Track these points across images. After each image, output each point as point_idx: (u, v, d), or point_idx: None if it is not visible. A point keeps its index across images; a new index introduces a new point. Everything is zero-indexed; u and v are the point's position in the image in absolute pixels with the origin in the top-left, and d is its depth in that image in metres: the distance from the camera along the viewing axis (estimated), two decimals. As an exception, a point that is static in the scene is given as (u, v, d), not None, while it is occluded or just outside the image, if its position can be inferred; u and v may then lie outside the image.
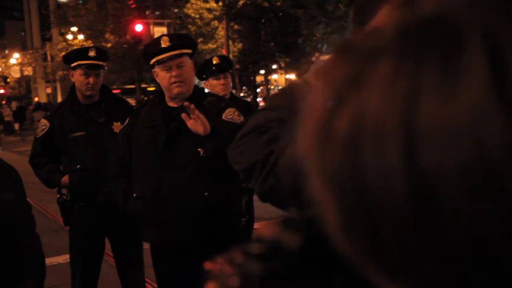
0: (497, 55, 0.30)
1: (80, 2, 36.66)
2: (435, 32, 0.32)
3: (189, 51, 2.97)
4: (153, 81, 36.71)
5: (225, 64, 4.13)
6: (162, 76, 2.91)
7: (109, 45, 31.32)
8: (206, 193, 2.80)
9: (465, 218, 0.30)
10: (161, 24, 27.12)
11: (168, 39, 2.90)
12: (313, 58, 18.00)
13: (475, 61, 0.30)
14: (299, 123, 0.39)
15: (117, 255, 3.84)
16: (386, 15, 0.40)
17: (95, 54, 3.63)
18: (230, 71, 4.21)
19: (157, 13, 30.53)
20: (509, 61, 0.30)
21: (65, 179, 3.58)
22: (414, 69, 0.32)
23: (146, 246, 3.74)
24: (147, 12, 29.97)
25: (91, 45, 32.76)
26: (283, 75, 50.97)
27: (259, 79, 40.00)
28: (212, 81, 4.04)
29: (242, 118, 2.96)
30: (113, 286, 4.25)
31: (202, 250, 2.92)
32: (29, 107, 34.31)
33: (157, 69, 2.95)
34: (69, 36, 35.96)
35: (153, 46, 2.95)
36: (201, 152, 2.80)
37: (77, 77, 3.62)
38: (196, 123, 2.65)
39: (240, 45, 28.22)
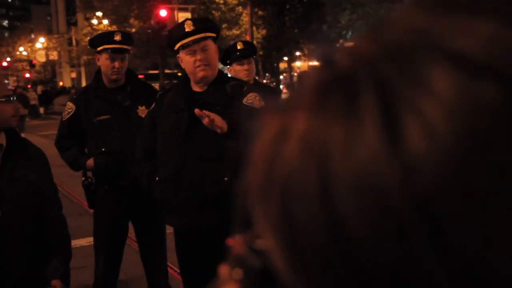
0: (388, 104, 0.34)
1: (105, -13, 36.85)
2: (340, 87, 0.36)
3: (213, 34, 2.98)
4: (177, 66, 36.85)
5: (249, 50, 4.11)
6: (186, 60, 2.93)
7: (133, 30, 31.45)
8: (226, 178, 2.81)
9: (375, 255, 0.34)
10: (185, 10, 27.12)
11: (191, 23, 2.92)
12: (338, 45, 17.84)
13: (367, 110, 0.34)
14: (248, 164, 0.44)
15: (140, 239, 3.87)
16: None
17: (120, 38, 3.65)
18: (254, 57, 4.20)
19: (181, -2, 30.53)
20: (399, 106, 0.34)
21: (90, 162, 3.61)
22: (322, 116, 0.36)
23: (169, 230, 3.80)
24: (171, -3, 29.95)
25: (116, 29, 32.92)
26: (306, 62, 50.79)
27: (282, 66, 39.84)
28: (236, 67, 4.03)
29: (263, 103, 2.96)
30: (136, 269, 4.32)
31: (223, 235, 2.95)
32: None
33: (181, 54, 2.96)
34: (94, 21, 36.20)
35: (177, 30, 2.96)
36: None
37: (103, 61, 3.64)
38: (212, 124, 2.66)
39: (264, 31, 28.10)
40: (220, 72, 3.08)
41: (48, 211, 2.37)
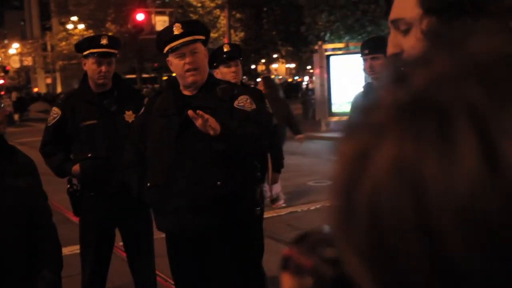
0: (484, 132, 0.34)
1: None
2: (427, 110, 0.36)
3: (202, 37, 2.94)
4: (154, 70, 36.67)
5: (236, 52, 4.10)
6: (176, 64, 2.89)
7: (110, 34, 31.21)
8: (219, 183, 2.79)
9: (480, 280, 0.35)
10: (162, 13, 27.05)
11: (180, 25, 2.88)
12: (316, 47, 17.89)
13: (463, 138, 0.34)
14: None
15: (128, 245, 3.81)
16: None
17: (107, 42, 3.61)
18: (241, 59, 4.18)
19: (158, 2, 30.41)
20: (496, 134, 0.34)
21: (76, 167, 3.55)
22: (414, 143, 0.36)
23: (157, 236, 3.75)
24: (148, 1, 29.82)
25: (92, 34, 32.72)
26: (283, 64, 50.90)
27: (260, 68, 39.90)
28: (223, 69, 4.01)
29: (254, 106, 2.94)
30: (123, 277, 4.25)
31: (216, 238, 2.92)
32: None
33: (170, 58, 2.92)
34: (70, 26, 35.80)
35: (166, 33, 2.93)
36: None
37: (89, 65, 3.60)
38: (205, 125, 2.62)
39: (242, 34, 28.10)
40: (210, 75, 3.05)
41: (38, 218, 2.32)
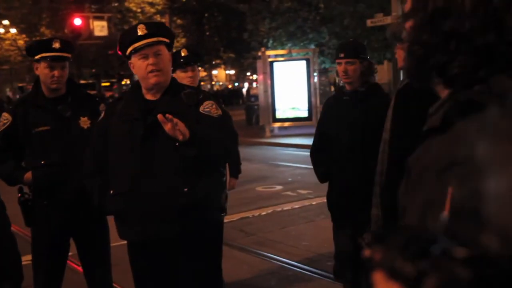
0: None
1: (12, -7, 35.33)
2: None
3: (167, 40, 2.91)
4: (92, 76, 35.87)
5: (194, 57, 4.07)
6: (138, 65, 2.83)
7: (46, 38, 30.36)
8: (185, 189, 2.76)
9: None
10: (101, 18, 26.53)
11: (144, 26, 2.82)
12: (259, 53, 18.03)
13: None
14: None
15: (84, 256, 3.69)
16: None
17: (59, 46, 3.48)
18: (199, 64, 4.16)
19: (95, 7, 29.85)
20: None
21: (28, 175, 3.41)
22: None
23: (112, 243, 3.69)
24: (85, 6, 29.22)
25: (26, 39, 31.81)
26: (223, 71, 50.96)
27: (201, 74, 39.75)
28: (180, 74, 3.97)
29: (220, 112, 2.92)
30: (77, 288, 4.14)
31: (182, 245, 2.88)
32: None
33: (133, 59, 2.86)
34: (1, 30, 34.57)
35: (130, 34, 2.86)
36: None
37: (42, 70, 3.47)
38: (174, 130, 2.60)
39: (183, 40, 27.95)
40: (174, 79, 3.01)
41: None
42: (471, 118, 1.00)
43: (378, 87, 3.76)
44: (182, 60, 3.96)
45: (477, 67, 1.03)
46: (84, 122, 3.50)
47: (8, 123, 3.49)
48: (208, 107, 2.89)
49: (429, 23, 1.07)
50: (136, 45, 2.80)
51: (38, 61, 3.49)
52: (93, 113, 3.42)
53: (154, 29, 2.85)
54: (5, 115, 3.55)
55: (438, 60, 1.06)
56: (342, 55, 3.59)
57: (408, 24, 1.10)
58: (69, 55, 3.57)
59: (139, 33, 2.79)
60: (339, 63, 3.60)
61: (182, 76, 3.95)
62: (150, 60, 2.79)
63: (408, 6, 1.13)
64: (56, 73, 3.45)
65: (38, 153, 3.44)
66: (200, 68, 4.23)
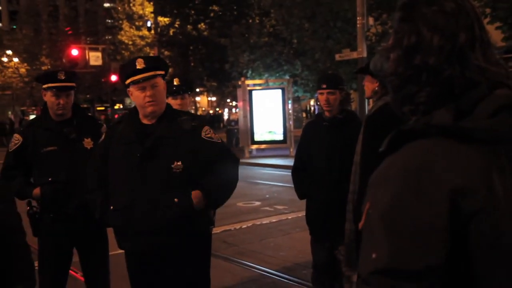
0: None
1: (14, 27, 35.05)
2: None
3: (162, 72, 2.92)
4: (86, 101, 35.57)
5: (184, 86, 4.06)
6: (136, 95, 2.84)
7: (44, 67, 30.12)
8: (176, 199, 2.76)
9: None
10: (95, 49, 26.43)
11: (143, 61, 2.82)
12: (239, 82, 18.12)
13: None
14: None
15: (85, 263, 3.67)
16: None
17: (64, 77, 3.52)
18: (190, 92, 4.16)
19: (91, 39, 29.77)
20: None
21: (37, 191, 3.43)
22: None
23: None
24: (82, 38, 29.12)
25: (27, 67, 31.49)
26: (206, 97, 50.97)
27: (186, 101, 39.66)
28: (170, 101, 3.96)
29: (218, 136, 2.95)
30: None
31: (175, 256, 2.87)
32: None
33: (131, 89, 2.86)
34: (4, 59, 34.23)
35: (129, 67, 2.86)
36: (174, 168, 2.77)
37: (49, 97, 3.50)
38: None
39: (171, 70, 27.93)
40: (169, 105, 3.02)
41: (14, 239, 2.20)
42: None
43: (354, 114, 3.81)
44: (174, 89, 3.97)
45: (440, 97, 1.06)
46: (88, 143, 3.52)
47: (19, 143, 3.51)
48: (209, 133, 2.91)
49: (404, 57, 1.10)
50: (135, 78, 2.80)
51: (46, 89, 3.52)
52: (96, 135, 3.44)
53: (152, 63, 2.85)
54: (17, 136, 3.58)
55: (410, 90, 1.10)
56: (324, 86, 3.60)
57: (390, 57, 1.14)
58: (73, 84, 3.58)
59: (138, 66, 2.79)
60: (321, 93, 3.61)
61: (172, 103, 3.94)
62: (148, 92, 2.80)
63: (390, 42, 1.16)
64: (61, 101, 3.48)
65: (46, 171, 3.45)
66: (190, 96, 4.24)
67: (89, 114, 4.29)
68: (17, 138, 3.54)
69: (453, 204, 0.97)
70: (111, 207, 2.83)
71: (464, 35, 1.07)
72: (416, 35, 1.09)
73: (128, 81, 2.85)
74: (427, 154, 1.00)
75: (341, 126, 3.62)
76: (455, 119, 1.03)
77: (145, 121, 2.91)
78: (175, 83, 4.02)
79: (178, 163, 2.77)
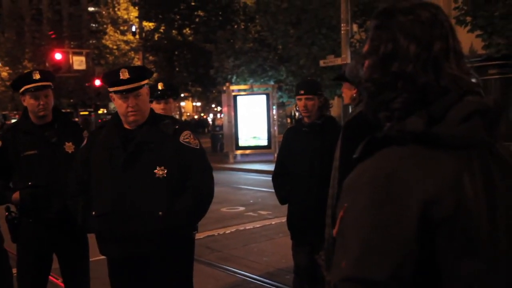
0: None
1: (-3, 30, 34.68)
2: None
3: (146, 81, 2.91)
4: (70, 106, 35.26)
5: (169, 91, 4.04)
6: (119, 103, 2.80)
7: (26, 71, 29.80)
8: (160, 213, 2.74)
9: None
10: (79, 54, 26.24)
11: (127, 71, 2.78)
12: (224, 88, 18.12)
13: None
14: None
15: (65, 269, 3.62)
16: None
17: (39, 76, 3.46)
18: (175, 97, 4.14)
19: (74, 43, 29.56)
20: None
21: (16, 195, 3.36)
22: None
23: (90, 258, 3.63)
24: (65, 42, 28.89)
25: (9, 71, 31.10)
26: (190, 103, 50.84)
27: (170, 106, 39.48)
28: (154, 105, 3.95)
29: (197, 142, 2.94)
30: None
31: (158, 262, 2.86)
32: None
33: (114, 96, 2.83)
34: (-14, 62, 33.80)
35: (112, 76, 2.81)
36: (157, 173, 2.76)
37: (28, 101, 3.45)
38: None
39: (155, 75, 27.82)
40: (151, 110, 3.01)
41: None
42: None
43: (333, 119, 3.85)
44: (158, 93, 3.96)
45: (415, 104, 1.08)
46: (69, 147, 3.47)
47: None
48: (187, 138, 2.89)
49: (380, 64, 1.12)
50: (118, 88, 2.77)
51: (23, 93, 3.46)
52: (77, 139, 3.41)
53: (136, 73, 2.82)
54: None
55: (386, 96, 1.11)
56: (302, 92, 3.63)
57: (365, 64, 1.16)
58: (50, 84, 3.53)
59: (121, 77, 2.76)
60: (299, 99, 3.64)
61: (156, 108, 3.93)
62: (130, 102, 2.77)
63: (365, 48, 1.18)
64: (41, 101, 3.43)
65: (25, 175, 3.39)
66: (175, 100, 4.22)
67: (74, 118, 4.29)
68: None
69: (423, 212, 0.98)
70: (93, 213, 2.81)
71: (439, 45, 1.10)
72: (393, 43, 1.11)
73: (111, 89, 2.83)
74: (399, 161, 1.02)
75: (320, 131, 3.65)
76: (427, 125, 1.04)
77: (127, 126, 2.91)
78: (159, 87, 4.00)
79: (161, 168, 2.76)
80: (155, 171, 2.75)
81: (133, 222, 2.72)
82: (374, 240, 0.98)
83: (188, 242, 3.12)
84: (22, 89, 3.45)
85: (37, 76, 3.46)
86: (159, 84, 4.02)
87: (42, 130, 3.48)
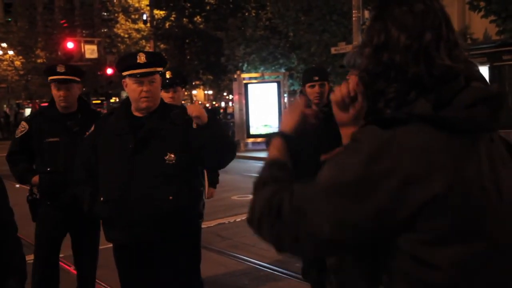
0: None
1: (9, 20, 34.85)
2: None
3: (161, 69, 2.91)
4: (82, 94, 35.36)
5: (176, 79, 4.05)
6: (132, 88, 2.81)
7: (39, 60, 29.95)
8: (170, 197, 2.75)
9: None
10: (91, 42, 26.28)
11: (144, 56, 2.80)
12: (235, 76, 18.08)
13: None
14: None
15: (76, 249, 3.87)
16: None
17: (63, 70, 3.65)
18: (182, 85, 4.14)
19: (86, 32, 29.61)
20: None
21: (35, 179, 3.63)
22: None
23: (101, 247, 3.70)
24: (77, 31, 28.95)
25: (22, 60, 31.31)
26: (202, 91, 50.81)
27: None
28: (163, 94, 3.96)
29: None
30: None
31: (165, 249, 2.87)
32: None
33: (128, 81, 2.83)
34: (-1, 52, 34.05)
35: (129, 60, 2.82)
36: (167, 160, 2.76)
37: (52, 90, 3.69)
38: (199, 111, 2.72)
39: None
40: (161, 100, 3.00)
41: (6, 233, 2.20)
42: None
43: None
44: (166, 81, 3.96)
45: (408, 93, 1.11)
46: None
47: (24, 131, 3.71)
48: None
49: (373, 54, 1.16)
50: (134, 71, 2.78)
51: (50, 82, 3.70)
52: None
53: (153, 59, 2.84)
54: (24, 123, 3.80)
55: (379, 86, 1.15)
56: (316, 78, 3.59)
57: (364, 54, 1.19)
58: (74, 78, 3.70)
59: (139, 61, 2.77)
60: (313, 85, 3.59)
61: (165, 96, 3.94)
62: (145, 87, 2.79)
63: (363, 39, 1.22)
64: (62, 93, 3.64)
65: (46, 161, 3.62)
66: (183, 89, 4.23)
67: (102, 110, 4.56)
68: (23, 126, 3.75)
69: (410, 185, 1.01)
70: (101, 199, 2.83)
71: (430, 35, 1.11)
72: (385, 34, 1.14)
73: (126, 73, 2.83)
74: (403, 132, 1.05)
75: (328, 119, 3.62)
76: (434, 109, 1.07)
77: (137, 113, 2.91)
78: (167, 76, 4.02)
79: (171, 155, 2.77)
80: (165, 157, 2.75)
81: (140, 208, 2.73)
82: (353, 188, 1.04)
83: (194, 229, 3.13)
84: (49, 79, 3.69)
85: (61, 69, 3.66)
86: (167, 72, 4.03)
87: (66, 119, 3.68)
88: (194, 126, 2.76)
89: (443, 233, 1.02)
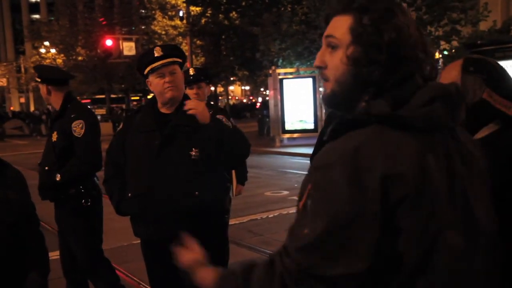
0: None
1: (52, 18, 35.82)
2: None
3: (180, 60, 2.93)
4: (121, 91, 36.14)
5: (201, 76, 4.06)
6: (156, 83, 2.86)
7: (80, 58, 30.67)
8: (197, 192, 2.75)
9: None
10: (129, 40, 26.68)
11: (160, 49, 2.85)
12: (270, 71, 18.04)
13: None
14: None
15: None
16: None
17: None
18: (207, 81, 4.14)
19: (125, 29, 30.12)
20: None
21: None
22: None
23: (130, 242, 3.70)
24: (116, 29, 29.49)
25: (63, 57, 32.14)
26: (239, 87, 51.04)
27: (219, 89, 39.90)
28: (187, 91, 3.97)
29: (230, 124, 2.94)
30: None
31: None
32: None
33: (151, 78, 2.88)
34: (42, 50, 35.04)
35: (147, 56, 2.88)
36: (193, 155, 2.77)
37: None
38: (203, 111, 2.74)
39: (202, 59, 28.07)
40: (186, 96, 3.02)
41: (29, 227, 2.25)
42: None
43: None
44: (190, 78, 3.97)
45: (366, 93, 1.14)
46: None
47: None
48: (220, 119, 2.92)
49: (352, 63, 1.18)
50: (154, 65, 2.83)
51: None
52: None
53: (169, 51, 2.89)
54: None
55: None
56: None
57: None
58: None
59: (156, 54, 2.83)
60: None
61: (189, 93, 3.94)
62: (166, 78, 2.83)
63: None
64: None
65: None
66: (208, 85, 4.22)
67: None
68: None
69: (385, 188, 1.01)
70: (129, 194, 2.86)
71: (391, 35, 1.13)
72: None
73: (147, 69, 2.87)
74: (365, 139, 1.05)
75: None
76: (392, 108, 1.08)
77: (163, 110, 2.93)
78: (191, 72, 4.03)
79: (197, 151, 2.78)
80: (191, 153, 2.76)
81: (169, 203, 2.75)
82: (343, 214, 1.01)
83: (221, 225, 3.12)
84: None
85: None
86: (190, 69, 4.04)
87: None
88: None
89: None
